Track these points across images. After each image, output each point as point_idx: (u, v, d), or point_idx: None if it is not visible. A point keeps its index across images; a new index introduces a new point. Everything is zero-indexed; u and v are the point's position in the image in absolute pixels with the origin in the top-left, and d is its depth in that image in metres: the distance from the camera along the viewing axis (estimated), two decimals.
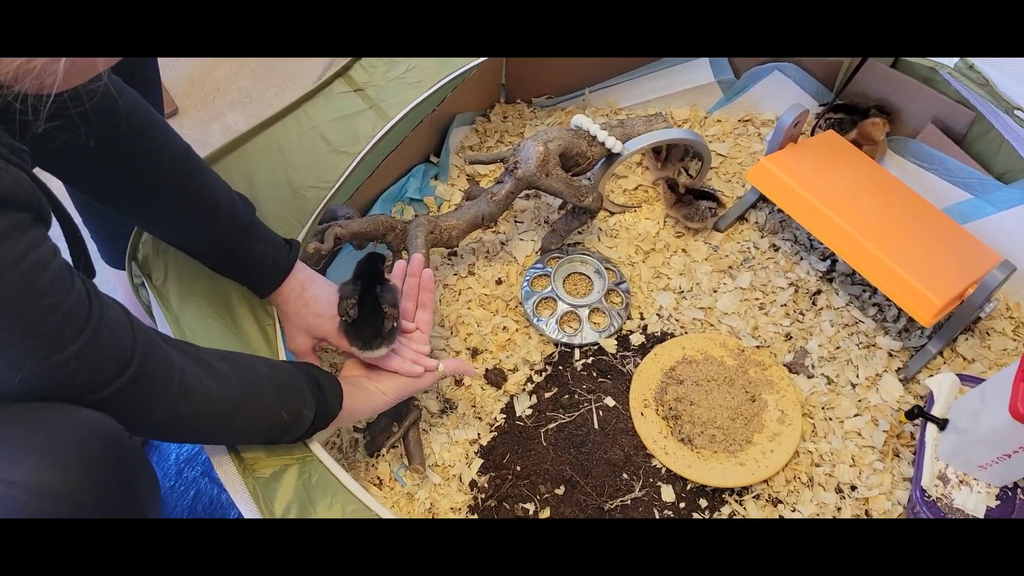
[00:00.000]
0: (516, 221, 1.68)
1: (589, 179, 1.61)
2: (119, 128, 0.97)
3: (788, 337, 1.51)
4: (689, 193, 1.60)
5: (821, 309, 1.54)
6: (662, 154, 1.66)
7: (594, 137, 1.50)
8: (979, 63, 1.35)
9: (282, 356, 1.17)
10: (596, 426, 1.40)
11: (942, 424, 1.28)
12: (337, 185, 1.30)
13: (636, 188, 1.73)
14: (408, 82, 1.46)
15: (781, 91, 1.75)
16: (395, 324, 1.16)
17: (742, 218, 1.67)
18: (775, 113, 1.80)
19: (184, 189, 1.06)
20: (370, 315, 1.14)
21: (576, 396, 1.44)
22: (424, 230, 1.39)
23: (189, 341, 1.04)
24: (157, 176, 1.04)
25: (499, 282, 1.59)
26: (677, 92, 1.80)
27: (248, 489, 0.98)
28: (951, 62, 1.40)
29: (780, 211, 1.66)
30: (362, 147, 1.34)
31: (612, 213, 1.69)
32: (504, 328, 1.53)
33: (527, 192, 1.63)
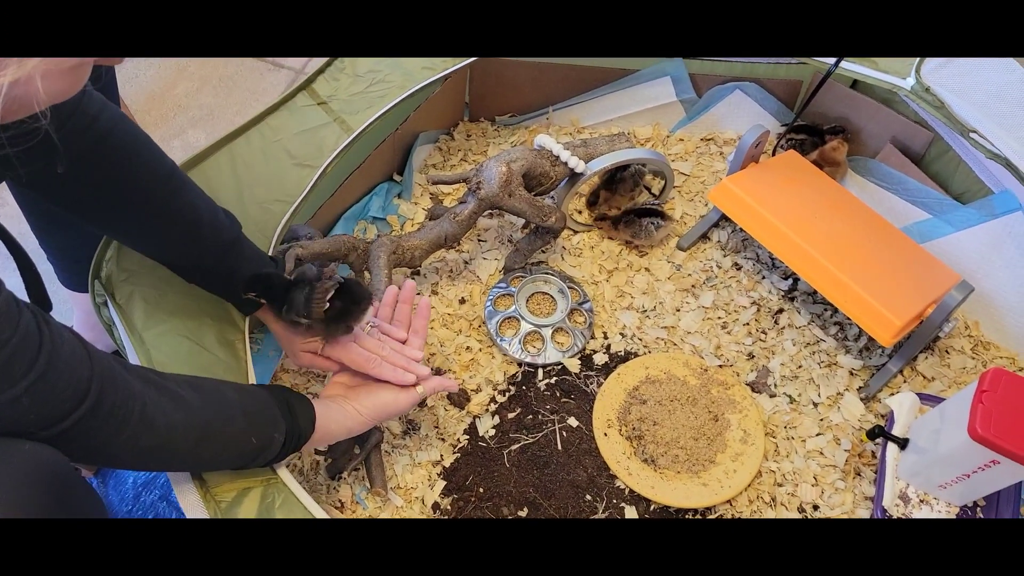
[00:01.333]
0: (480, 240, 1.67)
1: (553, 198, 1.61)
2: (99, 147, 0.97)
3: (751, 356, 1.51)
4: (631, 213, 1.60)
5: (783, 328, 1.54)
6: (604, 192, 1.66)
7: (557, 157, 1.49)
8: (936, 86, 1.37)
9: (251, 372, 1.15)
10: (559, 447, 1.39)
11: (902, 444, 1.29)
12: (300, 198, 1.29)
13: (593, 213, 1.73)
14: (372, 96, 1.45)
15: (743, 110, 1.76)
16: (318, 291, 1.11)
17: (705, 237, 1.67)
18: (737, 132, 1.81)
19: (166, 207, 1.05)
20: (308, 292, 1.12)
21: (539, 417, 1.43)
22: (386, 250, 1.38)
23: (154, 360, 1.02)
24: (139, 194, 1.03)
25: (462, 301, 1.58)
26: (640, 111, 1.80)
27: (209, 514, 0.96)
28: (908, 83, 1.42)
29: (743, 230, 1.66)
30: (325, 160, 1.32)
31: (576, 232, 1.68)
32: (467, 348, 1.52)
33: (491, 211, 1.63)
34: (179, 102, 1.95)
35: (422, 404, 1.44)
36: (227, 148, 1.27)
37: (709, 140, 1.82)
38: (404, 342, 1.24)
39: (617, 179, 1.63)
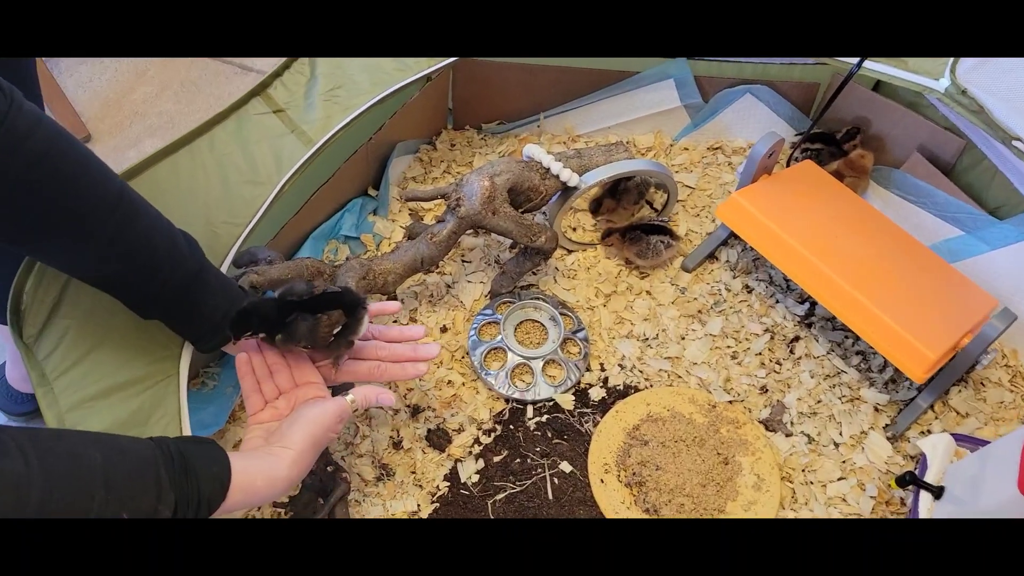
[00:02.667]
0: (463, 261, 1.56)
1: (544, 215, 1.49)
2: (32, 171, 0.86)
3: (764, 390, 1.39)
4: (637, 229, 1.48)
5: (800, 358, 1.42)
6: (609, 200, 1.55)
7: (547, 169, 1.38)
8: (974, 88, 1.25)
9: (185, 420, 1.03)
10: (550, 496, 1.27)
11: (937, 492, 1.17)
12: (254, 221, 1.17)
13: (596, 224, 1.61)
14: (336, 102, 1.33)
15: (753, 116, 1.65)
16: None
17: (712, 256, 1.56)
18: (747, 140, 1.70)
19: (116, 238, 0.94)
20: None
21: (528, 461, 1.31)
22: (355, 275, 1.26)
23: (62, 408, 0.90)
24: (82, 224, 0.92)
25: (444, 330, 1.46)
26: (640, 117, 1.69)
27: None
28: (941, 86, 1.30)
29: (753, 249, 1.55)
30: (282, 177, 1.20)
31: (569, 251, 1.57)
32: (449, 382, 1.40)
33: (474, 230, 1.51)
34: (136, 109, 1.83)
35: (397, 446, 1.32)
36: (169, 161, 1.15)
37: (716, 149, 1.71)
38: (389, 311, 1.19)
39: (621, 189, 1.52)
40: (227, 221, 1.14)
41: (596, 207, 1.56)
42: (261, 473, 0.91)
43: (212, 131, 1.21)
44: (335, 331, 1.05)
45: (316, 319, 1.03)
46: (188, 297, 1.02)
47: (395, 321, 1.47)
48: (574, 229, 1.61)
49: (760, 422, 1.36)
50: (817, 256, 1.30)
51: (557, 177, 1.38)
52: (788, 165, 1.55)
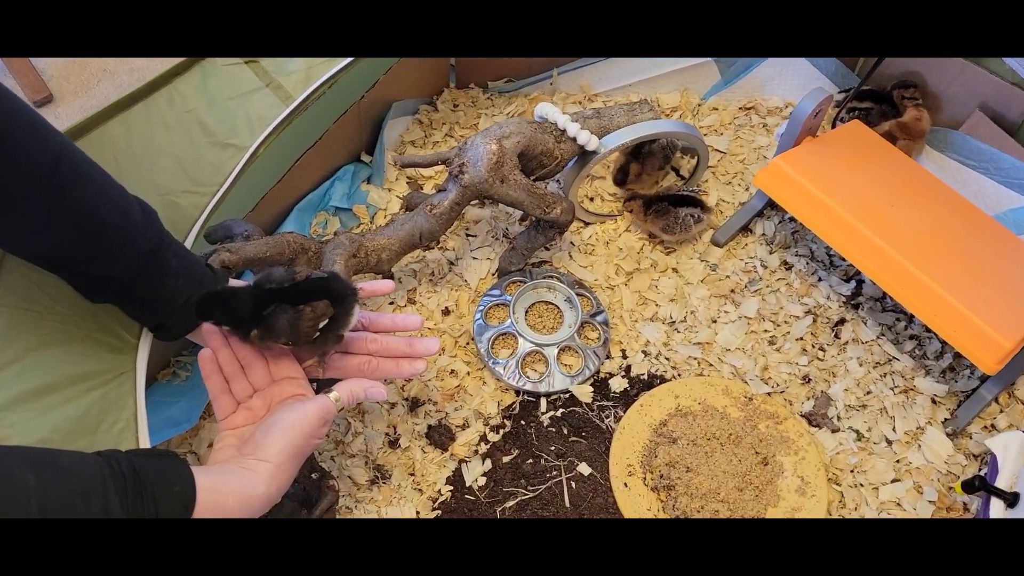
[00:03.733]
0: (468, 235, 1.42)
1: (559, 183, 1.35)
2: None
3: (806, 380, 1.26)
4: (664, 200, 1.34)
5: (846, 343, 1.29)
6: (634, 164, 1.40)
7: (563, 131, 1.24)
8: None
9: (142, 424, 0.90)
10: (567, 503, 1.15)
11: (1011, 499, 1.04)
12: (223, 189, 1.02)
13: (618, 194, 1.47)
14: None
15: (792, 72, 1.50)
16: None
17: (746, 229, 1.41)
18: (784, 99, 1.55)
19: (55, 207, 0.82)
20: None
21: (542, 461, 1.18)
22: (344, 253, 1.12)
23: None
24: (13, 190, 0.79)
25: (446, 312, 1.33)
26: (665, 73, 1.55)
27: None
28: None
29: (792, 220, 1.41)
30: (256, 139, 1.05)
31: (587, 224, 1.42)
32: (452, 372, 1.27)
33: (480, 200, 1.37)
34: (105, 65, 1.68)
35: (394, 444, 1.19)
36: (121, 118, 1.00)
37: (749, 109, 1.56)
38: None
39: (644, 152, 1.37)
40: (190, 190, 1.00)
41: (623, 177, 1.41)
42: (233, 492, 0.80)
43: (172, 83, 1.06)
44: (320, 325, 0.91)
45: (298, 311, 0.90)
46: (144, 277, 0.88)
47: (390, 304, 1.33)
48: (591, 199, 1.47)
49: (803, 416, 1.23)
50: (872, 229, 1.16)
51: (574, 140, 1.24)
52: (833, 127, 1.40)
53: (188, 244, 1.00)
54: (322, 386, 0.95)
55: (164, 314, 0.92)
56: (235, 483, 0.80)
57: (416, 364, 1.02)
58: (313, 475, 1.07)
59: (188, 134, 1.02)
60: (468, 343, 1.30)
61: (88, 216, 0.83)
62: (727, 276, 1.37)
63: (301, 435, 0.86)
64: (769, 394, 1.24)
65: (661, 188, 1.38)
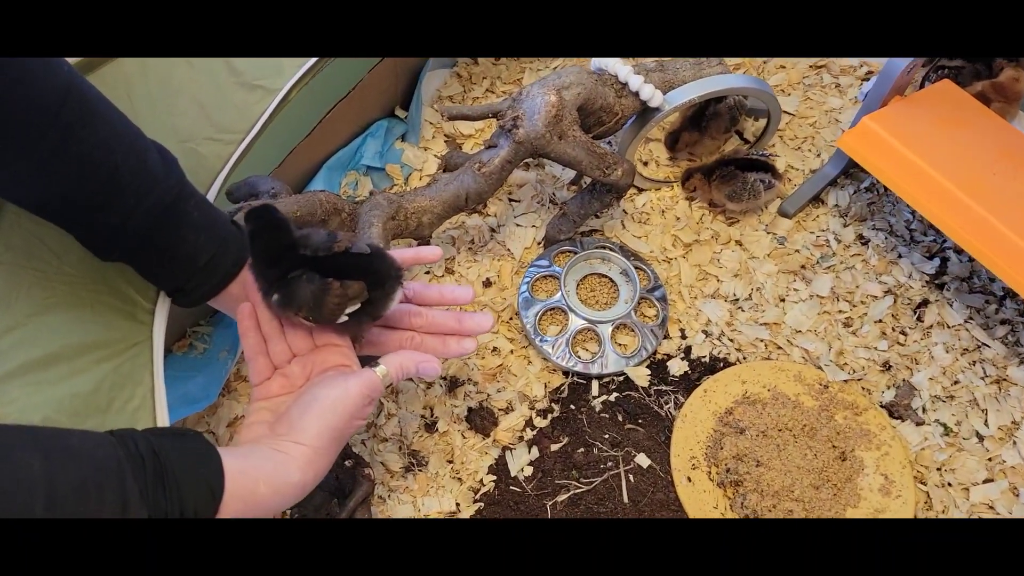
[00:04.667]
0: (511, 200, 1.31)
1: (609, 144, 1.24)
2: None
3: (886, 367, 1.15)
4: (730, 164, 1.23)
5: (930, 328, 1.18)
6: (688, 132, 1.29)
7: (624, 85, 1.12)
8: None
9: (160, 399, 0.80)
10: (624, 498, 1.05)
11: None
12: (249, 137, 0.91)
13: (673, 159, 1.36)
14: None
15: None
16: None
17: (817, 199, 1.31)
18: (860, 58, 1.43)
19: (61, 148, 0.71)
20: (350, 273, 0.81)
21: (595, 451, 1.09)
22: (382, 215, 1.02)
23: None
24: (14, 127, 0.69)
25: (487, 284, 1.23)
26: None
27: None
28: None
29: (869, 190, 1.30)
30: (287, 80, 0.95)
31: (641, 190, 1.32)
32: (494, 350, 1.17)
33: (531, 160, 1.26)
34: None
35: (431, 427, 1.09)
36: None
37: (821, 67, 1.45)
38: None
39: (708, 115, 1.27)
40: (213, 137, 0.89)
41: (674, 141, 1.30)
42: (265, 478, 0.70)
43: None
44: (350, 309, 0.80)
45: (325, 284, 0.79)
46: (162, 232, 0.78)
47: (426, 273, 1.23)
48: (645, 163, 1.36)
49: (883, 407, 1.12)
50: (974, 198, 1.05)
51: (636, 95, 1.13)
52: (921, 87, 1.29)
53: (210, 198, 0.90)
54: (367, 361, 0.85)
55: (184, 275, 0.81)
56: (267, 468, 0.71)
57: (465, 343, 0.91)
58: (347, 462, 0.97)
59: (212, 73, 0.91)
60: (512, 318, 1.20)
61: (99, 159, 0.73)
62: (796, 250, 1.26)
63: (342, 416, 0.76)
64: (846, 381, 1.14)
65: (727, 153, 1.27)
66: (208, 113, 0.89)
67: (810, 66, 1.44)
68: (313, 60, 0.96)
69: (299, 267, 0.80)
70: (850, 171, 1.31)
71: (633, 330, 1.17)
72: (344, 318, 0.81)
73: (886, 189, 1.30)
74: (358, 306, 0.81)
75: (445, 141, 1.37)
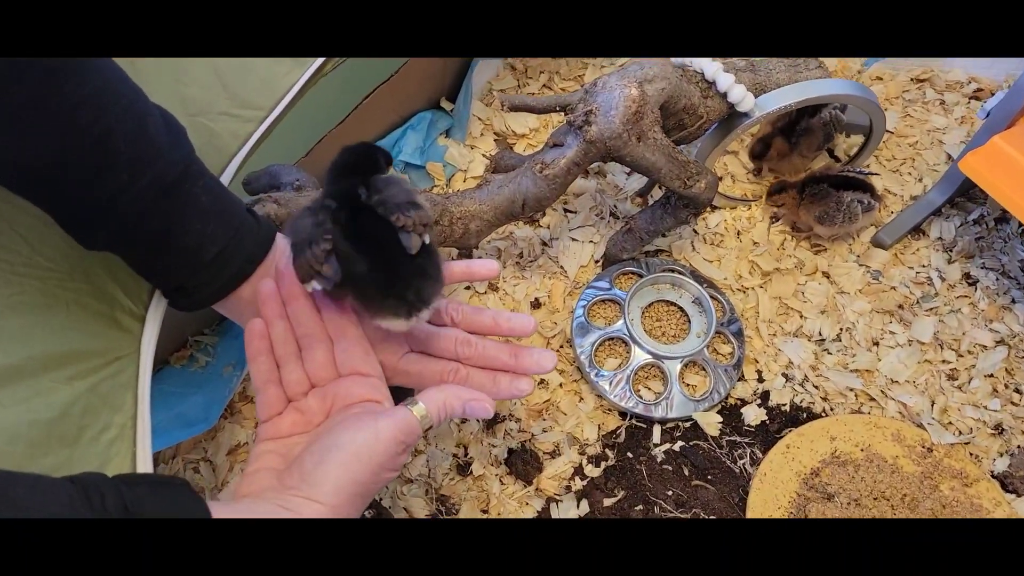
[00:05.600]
0: (567, 211, 1.17)
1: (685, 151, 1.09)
2: None
3: (999, 430, 1.00)
4: (822, 181, 1.08)
5: None
6: (770, 151, 1.15)
7: (711, 84, 0.97)
8: None
9: (144, 424, 0.65)
10: None
11: None
12: (274, 115, 0.77)
13: (750, 173, 1.21)
14: None
15: None
16: (431, 251, 0.70)
17: (918, 230, 1.15)
18: (967, 73, 1.28)
19: (43, 100, 0.58)
20: (380, 252, 0.68)
21: (656, 510, 0.93)
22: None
23: None
24: None
25: (536, 305, 1.08)
26: None
27: None
28: None
29: (978, 223, 1.15)
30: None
31: (715, 208, 1.16)
32: (542, 383, 1.02)
33: (599, 164, 1.12)
34: None
35: (464, 470, 0.94)
36: None
37: (923, 81, 1.29)
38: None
39: (799, 129, 1.11)
40: (229, 112, 0.73)
41: (764, 148, 1.15)
42: None
43: None
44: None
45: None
46: (161, 216, 0.64)
47: (466, 289, 1.08)
48: (720, 178, 1.21)
49: (995, 477, 0.96)
50: None
51: (723, 96, 0.98)
52: None
53: (228, 183, 0.75)
54: (399, 395, 0.69)
55: (185, 271, 0.67)
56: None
57: (520, 383, 0.75)
58: (367, 513, 0.82)
59: None
60: (563, 346, 1.05)
61: (87, 119, 0.59)
62: (893, 287, 1.11)
63: (369, 467, 0.61)
64: (953, 445, 0.98)
65: (814, 170, 1.12)
66: (226, 82, 0.74)
67: (912, 79, 1.29)
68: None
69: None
70: (957, 200, 1.16)
71: (705, 369, 1.01)
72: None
73: (997, 222, 1.14)
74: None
75: (495, 140, 1.22)
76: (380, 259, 0.66)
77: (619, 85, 0.88)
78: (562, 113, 0.93)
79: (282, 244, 0.72)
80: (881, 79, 1.29)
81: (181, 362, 0.99)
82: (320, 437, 0.64)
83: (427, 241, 0.68)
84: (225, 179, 0.74)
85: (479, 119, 1.24)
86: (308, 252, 0.65)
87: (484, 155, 1.20)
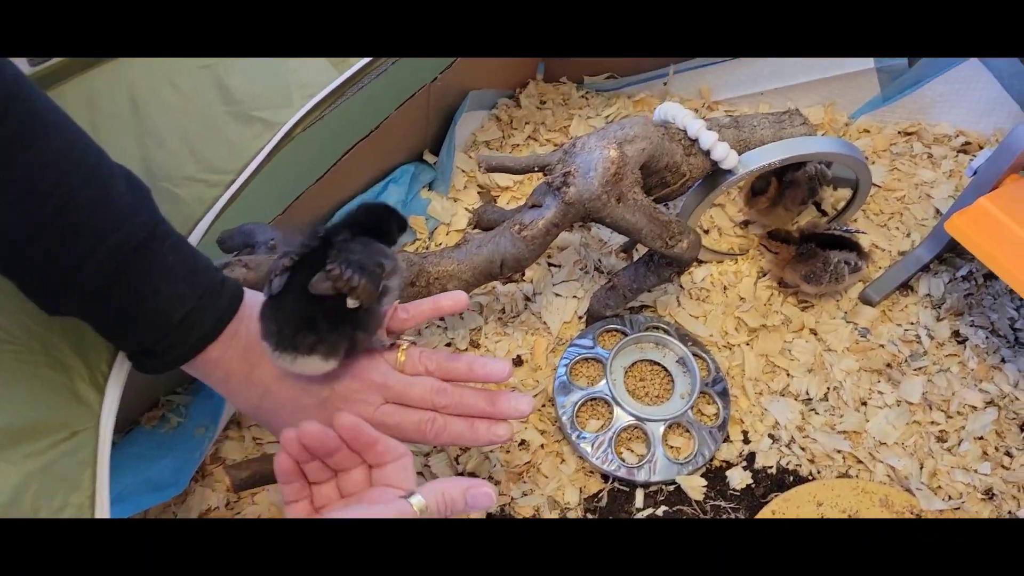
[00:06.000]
0: (551, 264, 1.15)
1: (668, 208, 1.08)
2: None
3: (989, 495, 0.98)
4: (810, 240, 1.07)
5: None
6: (770, 189, 1.13)
7: (694, 141, 0.97)
8: None
9: (102, 465, 0.64)
10: None
11: None
12: (242, 178, 0.75)
13: (736, 227, 1.20)
14: None
15: (972, 92, 1.23)
16: (361, 300, 0.68)
17: (906, 286, 1.14)
18: (955, 127, 1.27)
19: (3, 172, 0.58)
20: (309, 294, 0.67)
21: None
22: (399, 279, 0.85)
23: None
24: None
25: (518, 362, 1.07)
26: (808, 82, 1.27)
27: None
28: None
29: (967, 279, 1.13)
30: (296, 113, 0.79)
31: (701, 262, 1.15)
32: (522, 443, 1.00)
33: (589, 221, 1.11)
34: None
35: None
36: (104, 68, 0.72)
37: (911, 135, 1.29)
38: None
39: (784, 182, 1.10)
40: (196, 176, 0.72)
41: (764, 185, 1.13)
42: None
43: None
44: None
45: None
46: (128, 280, 0.63)
47: (447, 345, 1.07)
48: (706, 231, 1.20)
49: None
50: None
51: (706, 154, 0.97)
52: None
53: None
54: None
55: (153, 334, 0.66)
56: None
57: (498, 429, 0.75)
58: None
59: (202, 98, 0.75)
60: (544, 405, 1.03)
61: (48, 185, 0.58)
62: (881, 345, 1.09)
63: None
64: (941, 511, 0.96)
65: (806, 225, 1.11)
66: (192, 147, 0.73)
67: (899, 132, 1.28)
68: (328, 90, 0.80)
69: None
70: (945, 255, 1.14)
71: (689, 431, 1.00)
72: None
73: (986, 279, 1.13)
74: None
75: (479, 193, 1.21)
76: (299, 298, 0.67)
77: (598, 146, 0.87)
78: (541, 172, 0.92)
79: (251, 303, 0.71)
80: (868, 131, 1.28)
81: (152, 423, 0.97)
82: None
83: (350, 305, 0.67)
84: (192, 237, 0.73)
85: (463, 171, 1.23)
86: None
87: (467, 208, 1.19)
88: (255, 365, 0.70)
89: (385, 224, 0.73)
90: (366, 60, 0.85)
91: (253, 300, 0.71)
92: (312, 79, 0.80)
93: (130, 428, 0.96)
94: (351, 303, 0.67)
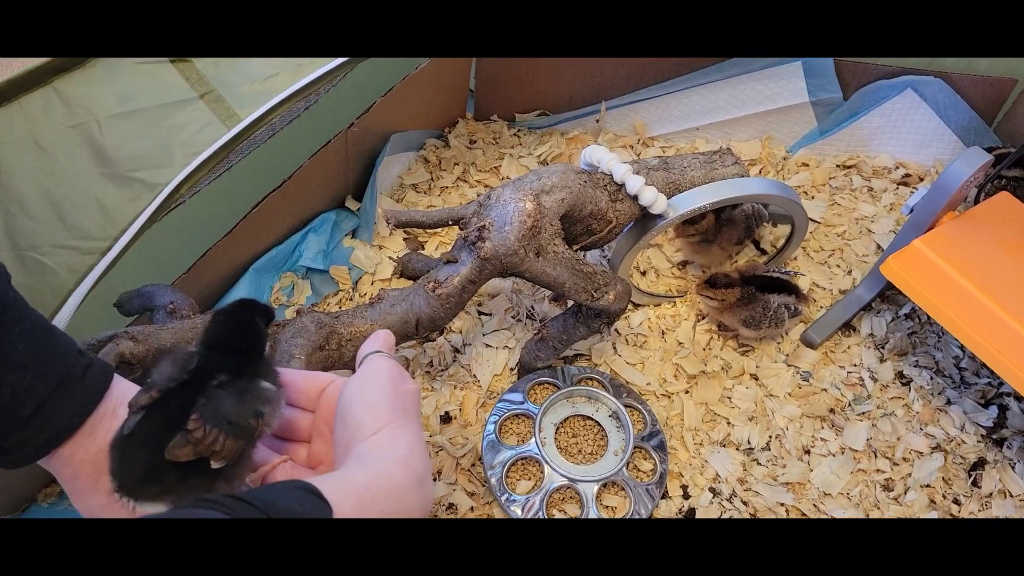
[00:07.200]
0: (480, 313, 1.11)
1: (606, 257, 1.04)
2: None
3: None
4: (749, 284, 1.03)
5: (989, 496, 0.98)
6: (706, 227, 1.09)
7: (620, 186, 0.93)
8: None
9: None
10: None
11: None
12: (119, 246, 0.70)
13: (674, 267, 1.17)
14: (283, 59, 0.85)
15: (909, 122, 1.21)
16: (218, 459, 0.59)
17: (848, 326, 1.10)
18: (895, 158, 1.25)
19: None
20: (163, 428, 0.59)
21: None
22: (308, 344, 0.81)
23: None
24: None
25: (447, 419, 1.02)
26: (744, 116, 1.25)
27: None
28: None
29: (910, 317, 1.11)
30: (178, 172, 0.73)
31: (637, 306, 1.11)
32: (450, 507, 0.95)
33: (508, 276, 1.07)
34: None
35: None
36: None
37: (850, 168, 1.26)
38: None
39: (722, 220, 1.07)
40: (65, 244, 0.67)
41: (697, 217, 1.10)
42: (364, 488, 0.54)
43: (53, 82, 0.73)
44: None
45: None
46: None
47: None
48: (643, 273, 1.16)
49: None
50: None
51: (635, 199, 0.93)
52: (977, 201, 1.10)
53: (61, 323, 0.68)
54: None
55: (1, 429, 0.59)
56: (360, 477, 0.54)
57: None
58: None
59: (71, 159, 0.70)
60: (474, 464, 0.99)
61: None
62: (824, 389, 1.06)
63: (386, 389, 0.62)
64: None
65: (745, 267, 1.07)
66: (61, 212, 0.68)
67: (838, 165, 1.26)
68: (216, 146, 0.75)
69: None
70: (887, 293, 1.12)
71: (624, 489, 0.95)
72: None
73: (929, 318, 1.10)
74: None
75: (405, 239, 1.17)
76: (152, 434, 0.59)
77: (513, 199, 0.83)
78: (457, 226, 0.87)
79: (118, 391, 0.65)
80: (807, 165, 1.26)
81: (50, 500, 0.91)
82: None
83: (214, 467, 0.60)
84: (63, 317, 0.68)
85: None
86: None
87: (392, 257, 1.14)
88: (104, 472, 0.64)
89: (248, 331, 0.64)
90: (265, 108, 0.80)
91: (124, 389, 0.64)
92: (198, 136, 0.74)
93: (26, 506, 0.90)
94: (215, 465, 0.60)
